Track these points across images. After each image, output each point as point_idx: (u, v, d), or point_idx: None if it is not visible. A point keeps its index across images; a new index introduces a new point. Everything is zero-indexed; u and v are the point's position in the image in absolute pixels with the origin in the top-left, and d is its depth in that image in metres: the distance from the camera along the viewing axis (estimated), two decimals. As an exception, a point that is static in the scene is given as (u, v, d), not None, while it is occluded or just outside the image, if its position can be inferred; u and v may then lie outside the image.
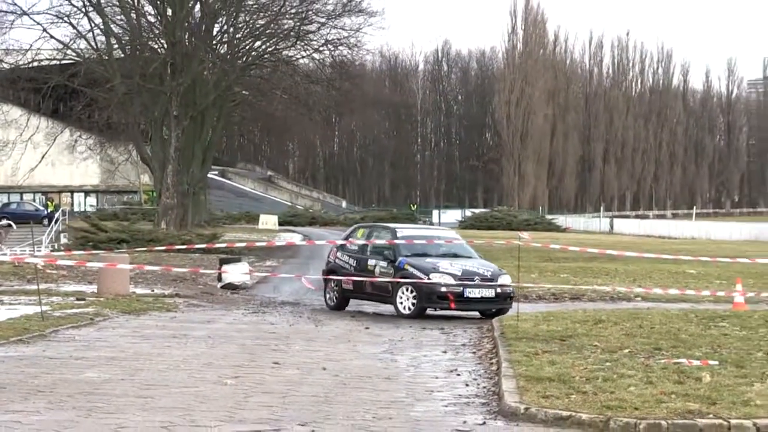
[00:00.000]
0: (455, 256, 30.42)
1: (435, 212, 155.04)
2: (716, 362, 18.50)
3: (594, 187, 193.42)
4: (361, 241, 31.38)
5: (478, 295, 28.52)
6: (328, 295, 32.04)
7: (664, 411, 14.43)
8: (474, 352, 21.80)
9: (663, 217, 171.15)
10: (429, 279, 28.49)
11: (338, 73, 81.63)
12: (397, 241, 30.08)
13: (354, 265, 31.15)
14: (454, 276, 28.57)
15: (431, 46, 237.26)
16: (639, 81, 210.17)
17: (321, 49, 77.14)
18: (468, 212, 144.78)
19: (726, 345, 20.88)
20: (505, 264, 43.20)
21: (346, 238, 32.58)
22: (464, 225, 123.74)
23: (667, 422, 13.97)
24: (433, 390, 17.07)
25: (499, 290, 28.85)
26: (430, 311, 29.66)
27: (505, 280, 29.32)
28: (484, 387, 17.33)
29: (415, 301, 28.81)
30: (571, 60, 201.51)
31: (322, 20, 75.16)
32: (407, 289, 28.85)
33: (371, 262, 30.51)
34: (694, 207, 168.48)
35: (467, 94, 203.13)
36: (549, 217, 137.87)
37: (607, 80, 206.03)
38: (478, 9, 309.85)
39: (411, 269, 28.95)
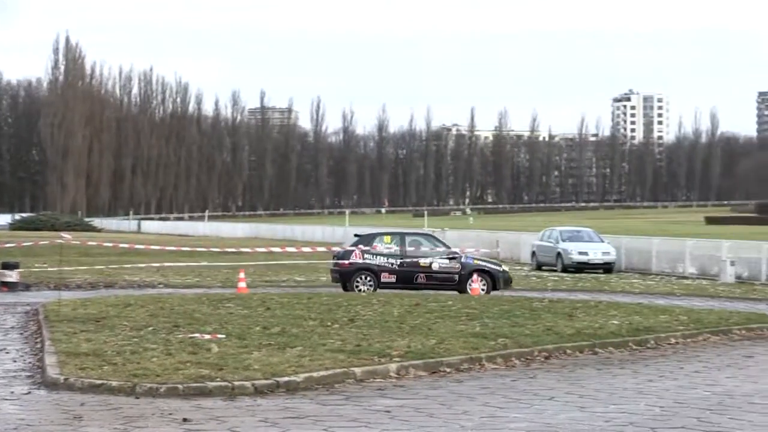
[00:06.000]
0: None
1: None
2: (224, 336, 18.67)
3: (125, 194, 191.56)
4: (394, 245, 32.72)
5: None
6: (362, 287, 31.99)
7: (181, 377, 14.46)
8: (21, 333, 21.10)
9: (182, 219, 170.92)
10: (503, 270, 32.46)
11: None
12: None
13: (398, 263, 32.19)
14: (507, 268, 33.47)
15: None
16: (161, 108, 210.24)
17: None
18: (17, 216, 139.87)
19: (231, 322, 21.10)
20: (50, 259, 42.14)
21: (368, 244, 33.02)
22: (14, 227, 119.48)
23: (183, 386, 14.01)
24: (-16, 367, 16.38)
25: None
26: None
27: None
28: (30, 362, 16.79)
29: (486, 286, 31.49)
30: (105, 90, 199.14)
31: None
32: (480, 278, 31.44)
33: (424, 260, 32.10)
34: (207, 210, 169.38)
35: (17, 117, 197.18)
36: (87, 219, 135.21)
37: (135, 107, 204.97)
38: (26, 44, 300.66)
39: (484, 263, 32.64)
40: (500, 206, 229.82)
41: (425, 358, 16.88)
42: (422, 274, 32.03)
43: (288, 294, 28.95)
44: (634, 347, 19.96)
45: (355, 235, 35.92)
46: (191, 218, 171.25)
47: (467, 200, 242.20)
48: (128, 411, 12.81)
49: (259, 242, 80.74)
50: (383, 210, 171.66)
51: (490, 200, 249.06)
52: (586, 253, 46.44)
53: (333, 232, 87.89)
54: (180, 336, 18.61)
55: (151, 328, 19.81)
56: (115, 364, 15.45)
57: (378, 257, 32.53)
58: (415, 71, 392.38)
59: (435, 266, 32.08)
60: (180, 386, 13.98)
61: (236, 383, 14.25)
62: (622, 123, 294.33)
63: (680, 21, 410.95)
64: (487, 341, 18.77)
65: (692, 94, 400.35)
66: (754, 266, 41.38)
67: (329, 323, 20.94)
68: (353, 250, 33.12)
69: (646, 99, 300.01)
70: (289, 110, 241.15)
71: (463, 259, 32.41)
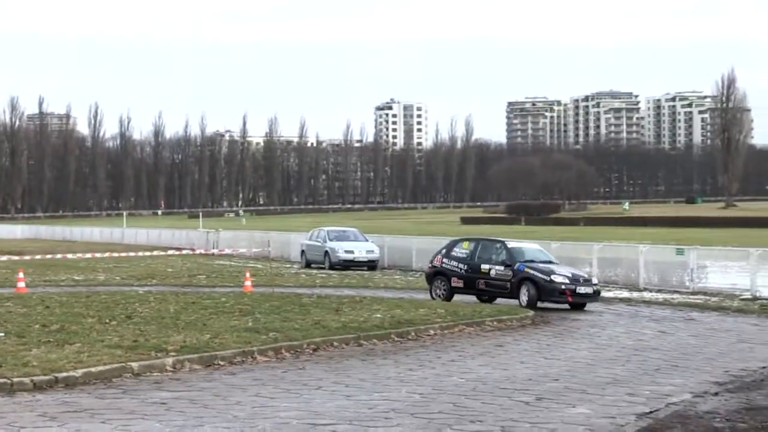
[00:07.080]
0: (549, 262, 30.22)
1: None
2: (2, 334, 18.11)
3: None
4: (467, 251, 31.13)
5: (584, 292, 28.83)
6: (437, 291, 31.14)
7: (-41, 375, 13.94)
8: None
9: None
10: (551, 279, 28.65)
11: None
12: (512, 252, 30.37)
13: (465, 268, 30.63)
14: (567, 277, 28.86)
15: None
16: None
17: None
18: None
19: (11, 320, 20.50)
20: None
21: (451, 248, 31.80)
22: None
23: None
24: None
25: (594, 288, 29.39)
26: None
27: (594, 281, 30.41)
28: None
29: (529, 296, 28.84)
30: None
31: None
32: (525, 287, 28.92)
33: (485, 266, 30.11)
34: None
35: None
36: None
37: None
38: None
39: (532, 272, 28.99)
40: (272, 208, 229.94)
41: (200, 352, 16.79)
42: (482, 280, 30.37)
43: (67, 293, 28.28)
44: (396, 339, 20.31)
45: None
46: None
47: (240, 202, 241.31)
48: None
49: (39, 243, 78.59)
50: (159, 212, 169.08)
51: (261, 202, 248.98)
52: (352, 252, 46.96)
53: (111, 233, 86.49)
54: (-43, 335, 17.93)
55: (-72, 329, 19.02)
56: None
57: (453, 261, 31.38)
58: (191, 78, 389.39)
59: (492, 273, 30.26)
60: (-43, 386, 13.51)
61: (15, 379, 13.85)
62: (384, 130, 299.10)
63: (439, 32, 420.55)
64: (259, 335, 18.79)
65: (449, 103, 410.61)
66: (504, 262, 42.61)
67: (107, 320, 20.57)
68: (437, 255, 32.41)
69: (406, 108, 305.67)
70: (68, 116, 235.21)
71: (516, 267, 29.88)
